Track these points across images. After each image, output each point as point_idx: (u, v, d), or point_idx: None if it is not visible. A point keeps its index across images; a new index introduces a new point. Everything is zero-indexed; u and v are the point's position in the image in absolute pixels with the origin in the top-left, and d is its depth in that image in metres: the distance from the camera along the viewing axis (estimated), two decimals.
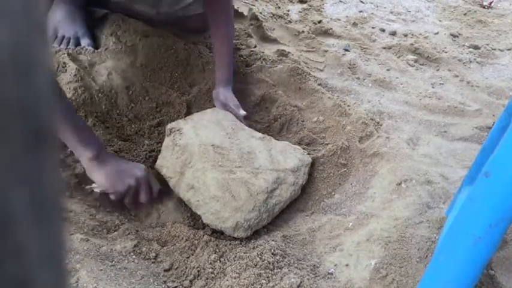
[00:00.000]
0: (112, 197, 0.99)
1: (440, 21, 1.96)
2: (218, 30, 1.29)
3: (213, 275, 0.90)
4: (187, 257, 0.95)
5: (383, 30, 1.81)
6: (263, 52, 1.46)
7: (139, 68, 1.31)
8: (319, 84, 1.39)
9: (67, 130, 0.94)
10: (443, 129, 1.30)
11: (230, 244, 0.98)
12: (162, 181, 1.08)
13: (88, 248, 0.89)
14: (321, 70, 1.49)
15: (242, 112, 1.24)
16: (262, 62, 1.41)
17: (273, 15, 1.74)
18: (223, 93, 1.27)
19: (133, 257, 0.93)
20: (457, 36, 1.84)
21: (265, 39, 1.57)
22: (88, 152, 0.96)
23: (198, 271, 0.91)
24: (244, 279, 0.87)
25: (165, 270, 0.92)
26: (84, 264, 0.85)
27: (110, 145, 1.15)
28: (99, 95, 1.21)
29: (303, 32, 1.65)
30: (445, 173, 1.11)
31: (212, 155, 1.06)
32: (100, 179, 0.98)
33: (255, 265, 0.89)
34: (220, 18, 1.29)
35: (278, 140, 1.19)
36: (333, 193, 1.14)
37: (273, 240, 0.98)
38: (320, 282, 0.89)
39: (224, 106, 1.26)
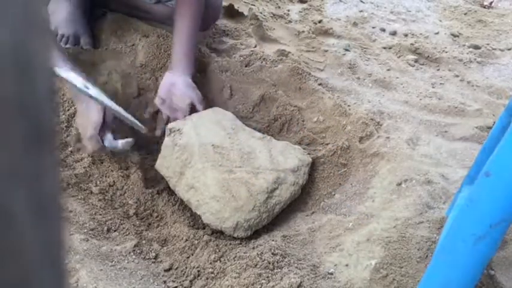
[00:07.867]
0: None
1: (440, 21, 1.96)
2: (180, 7, 1.21)
3: (213, 275, 0.90)
4: (187, 257, 0.95)
5: (383, 30, 1.81)
6: (263, 52, 1.46)
7: (139, 68, 1.31)
8: (320, 84, 1.39)
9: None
10: (443, 129, 1.30)
11: (230, 244, 0.98)
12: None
13: (88, 248, 0.89)
14: (321, 70, 1.49)
15: (200, 107, 1.16)
16: (262, 62, 1.41)
17: (273, 15, 1.74)
18: (177, 82, 1.17)
19: (133, 257, 0.93)
20: (458, 36, 1.84)
21: (265, 39, 1.57)
22: None
23: (198, 271, 0.91)
24: (244, 279, 0.87)
25: (165, 270, 0.92)
26: (84, 264, 0.85)
27: None
28: None
29: (303, 32, 1.65)
30: (445, 173, 1.11)
31: (212, 155, 1.06)
32: None
33: (255, 265, 0.89)
34: None
35: (278, 140, 1.19)
36: (333, 193, 1.14)
37: (273, 240, 0.98)
38: (320, 282, 0.89)
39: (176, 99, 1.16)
